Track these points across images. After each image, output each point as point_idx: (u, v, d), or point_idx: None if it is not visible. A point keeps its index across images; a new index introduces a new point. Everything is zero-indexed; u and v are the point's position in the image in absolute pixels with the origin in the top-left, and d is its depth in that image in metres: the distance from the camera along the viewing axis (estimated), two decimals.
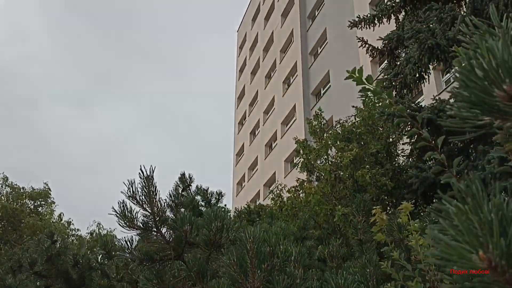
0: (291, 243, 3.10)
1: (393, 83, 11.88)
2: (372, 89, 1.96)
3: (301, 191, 12.87)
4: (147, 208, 2.85)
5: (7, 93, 78.63)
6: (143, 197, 2.84)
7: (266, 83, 40.20)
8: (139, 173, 2.85)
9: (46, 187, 41.49)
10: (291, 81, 34.89)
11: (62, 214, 40.79)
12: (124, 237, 2.86)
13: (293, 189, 13.37)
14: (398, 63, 11.37)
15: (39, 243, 5.75)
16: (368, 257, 3.11)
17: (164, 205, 2.89)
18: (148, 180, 2.85)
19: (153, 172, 2.89)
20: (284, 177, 28.97)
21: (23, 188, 40.11)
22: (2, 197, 38.23)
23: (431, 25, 9.98)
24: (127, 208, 2.85)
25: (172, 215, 2.89)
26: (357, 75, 2.82)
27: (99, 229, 38.20)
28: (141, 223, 2.85)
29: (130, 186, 2.81)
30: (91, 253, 6.68)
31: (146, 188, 2.84)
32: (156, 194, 2.86)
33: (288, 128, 33.12)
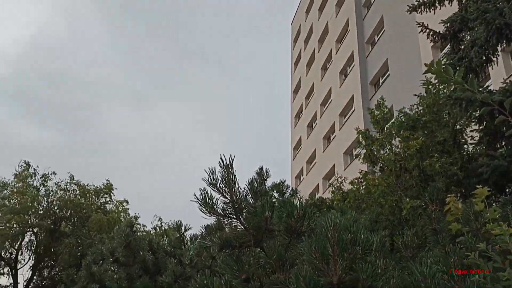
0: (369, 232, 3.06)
1: (458, 68, 11.39)
2: (452, 79, 1.89)
3: (364, 183, 12.65)
4: (226, 196, 2.92)
5: (69, 97, 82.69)
6: (223, 185, 2.91)
7: (322, 74, 39.77)
8: (219, 162, 2.92)
9: (109, 183, 43.50)
10: (348, 71, 34.29)
11: (128, 210, 42.55)
12: (205, 225, 2.94)
13: (356, 181, 13.17)
14: (463, 46, 10.89)
15: (119, 232, 6.06)
16: (450, 246, 3.01)
17: (243, 193, 2.94)
18: (227, 168, 2.91)
19: (232, 161, 2.95)
20: (344, 170, 28.58)
21: (88, 185, 42.25)
22: (71, 195, 40.43)
23: (498, 4, 9.47)
24: (208, 196, 2.93)
25: (251, 203, 2.93)
26: (435, 67, 2.73)
27: (161, 223, 39.55)
28: (221, 210, 2.92)
29: (210, 174, 2.89)
30: (162, 243, 6.93)
31: (226, 176, 2.90)
32: (235, 182, 2.91)
33: (346, 120, 32.62)
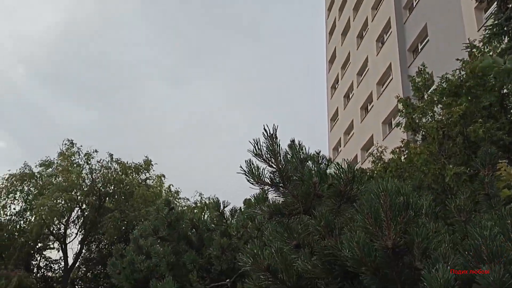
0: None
1: (505, 28, 10.88)
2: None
3: (405, 152, 12.43)
4: (272, 165, 2.92)
5: (107, 78, 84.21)
6: (268, 154, 2.92)
7: (358, 43, 38.87)
8: (263, 132, 2.92)
9: (147, 159, 44.61)
10: (384, 39, 33.36)
11: (171, 185, 43.58)
12: (253, 194, 2.97)
13: (397, 150, 12.96)
14: (510, 5, 10.35)
15: (158, 211, 6.22)
16: (506, 209, 2.93)
17: (289, 161, 2.94)
18: (272, 138, 2.91)
19: (276, 131, 2.94)
20: (383, 140, 28.14)
21: (128, 162, 43.46)
22: (113, 172, 41.74)
23: None
24: (253, 166, 2.95)
25: (298, 170, 2.93)
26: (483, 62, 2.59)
27: (201, 198, 40.40)
28: (268, 179, 2.94)
29: (255, 144, 2.90)
30: (204, 219, 7.07)
31: (270, 146, 2.90)
32: (280, 150, 2.92)
33: (384, 89, 31.93)
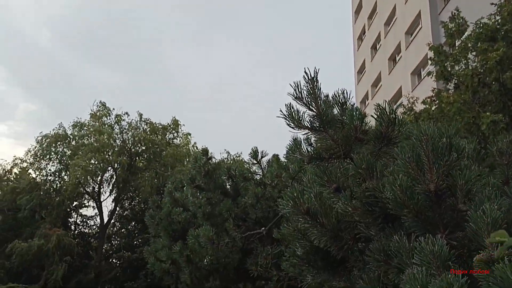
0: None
1: None
2: None
3: (437, 101, 12.15)
4: (313, 109, 2.91)
5: (132, 38, 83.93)
6: (309, 98, 2.89)
7: None
8: (304, 76, 2.89)
9: (175, 119, 45.12)
10: None
11: (195, 143, 44.13)
12: (293, 137, 2.97)
13: (428, 100, 12.68)
14: None
15: (196, 160, 6.31)
16: None
17: (329, 105, 2.92)
18: (312, 81, 2.87)
19: (317, 74, 2.90)
20: (412, 91, 27.49)
21: (156, 123, 44.03)
22: (142, 132, 42.43)
23: None
24: (293, 110, 2.93)
25: (339, 114, 2.91)
26: None
27: (228, 156, 40.82)
28: (308, 123, 2.93)
29: (295, 88, 2.87)
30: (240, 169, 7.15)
31: (311, 90, 2.87)
32: (320, 94, 2.89)
33: (413, 38, 30.92)
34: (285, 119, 2.93)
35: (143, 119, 43.45)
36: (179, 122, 44.79)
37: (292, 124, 2.91)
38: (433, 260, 2.04)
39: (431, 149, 2.39)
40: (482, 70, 10.13)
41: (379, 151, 2.87)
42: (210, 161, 6.35)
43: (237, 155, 39.46)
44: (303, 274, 3.66)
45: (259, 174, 6.44)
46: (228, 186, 6.48)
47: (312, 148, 2.99)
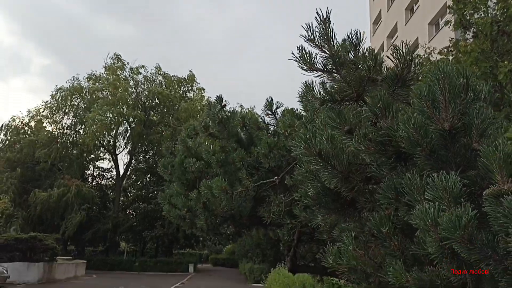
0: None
1: None
2: None
3: (454, 51, 11.86)
4: (325, 50, 2.87)
5: None
6: (321, 40, 2.85)
7: None
8: (316, 17, 2.83)
9: (191, 74, 44.92)
10: None
11: (209, 98, 44.19)
12: (305, 81, 2.95)
13: (445, 50, 12.38)
14: None
15: (210, 107, 6.29)
16: None
17: (342, 46, 2.87)
18: (325, 22, 2.82)
19: (329, 15, 2.84)
20: (429, 42, 26.82)
21: (173, 76, 43.88)
22: (158, 87, 42.44)
23: None
24: (305, 52, 2.90)
25: (352, 55, 2.86)
26: None
27: (241, 110, 40.82)
28: (320, 65, 2.90)
29: (307, 29, 2.82)
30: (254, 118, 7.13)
31: (323, 31, 2.82)
32: (333, 35, 2.84)
33: None
34: (297, 61, 2.90)
35: (160, 73, 43.37)
36: (194, 77, 44.66)
37: (304, 66, 2.89)
38: (445, 195, 2.05)
39: (448, 87, 2.36)
40: (502, 18, 9.80)
41: (393, 93, 2.84)
42: (224, 108, 6.33)
43: (251, 108, 39.44)
44: (314, 215, 3.74)
45: (273, 126, 6.43)
46: (242, 135, 6.49)
47: (324, 91, 2.97)
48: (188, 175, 6.51)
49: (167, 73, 43.69)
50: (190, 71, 44.74)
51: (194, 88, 45.44)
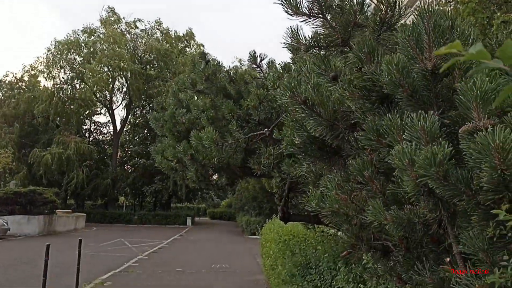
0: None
1: None
2: None
3: (453, 1, 11.63)
4: None
5: None
6: None
7: None
8: None
9: (190, 31, 44.21)
10: None
11: (208, 54, 43.60)
12: (290, 26, 2.92)
13: (443, 0, 12.15)
14: None
15: (194, 65, 6.23)
16: None
17: None
18: None
19: None
20: None
21: (172, 31, 43.17)
22: (155, 40, 41.78)
23: None
24: None
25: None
26: None
27: (240, 63, 40.40)
28: (306, 9, 2.86)
29: None
30: (241, 72, 7.06)
31: None
32: None
33: None
34: (282, 4, 2.86)
35: (159, 28, 42.66)
36: (194, 35, 44.01)
37: (289, 10, 2.85)
38: (422, 135, 2.09)
39: (433, 27, 2.35)
40: None
41: (378, 38, 2.82)
42: (208, 63, 6.26)
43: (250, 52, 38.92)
44: (300, 163, 3.80)
45: (261, 79, 6.38)
46: (230, 90, 6.45)
47: (310, 36, 2.95)
48: (179, 127, 6.52)
49: (166, 28, 43.03)
50: (189, 28, 44.20)
51: (192, 43, 44.86)
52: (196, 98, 7.08)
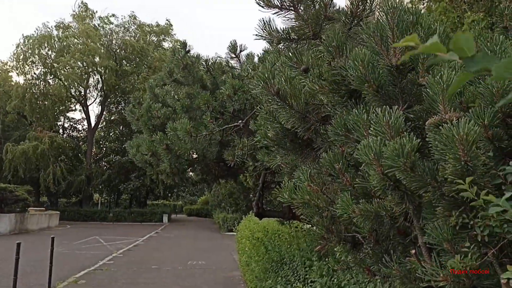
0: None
1: None
2: None
3: (426, 0, 11.81)
4: None
5: None
6: None
7: None
8: None
9: (168, 23, 43.75)
10: None
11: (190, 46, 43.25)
12: (262, 18, 2.91)
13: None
14: None
15: (174, 53, 6.18)
16: None
17: None
18: None
19: None
20: None
21: (148, 25, 42.66)
22: (131, 37, 41.24)
23: None
24: None
25: None
26: None
27: (218, 57, 40.08)
28: (278, 1, 2.86)
29: None
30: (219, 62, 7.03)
31: None
32: None
33: None
34: None
35: (135, 21, 42.12)
36: (171, 27, 43.58)
37: (261, 2, 2.84)
38: (387, 130, 2.11)
39: (396, 22, 2.37)
40: None
41: (349, 31, 2.84)
42: (188, 54, 6.22)
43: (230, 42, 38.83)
44: (273, 155, 3.80)
45: (237, 69, 6.37)
46: (207, 81, 6.43)
47: (282, 29, 2.94)
48: (154, 121, 6.47)
49: (142, 23, 42.49)
50: (167, 20, 43.67)
51: (169, 39, 44.45)
52: (172, 93, 7.03)
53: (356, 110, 2.38)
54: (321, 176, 3.25)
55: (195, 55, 6.22)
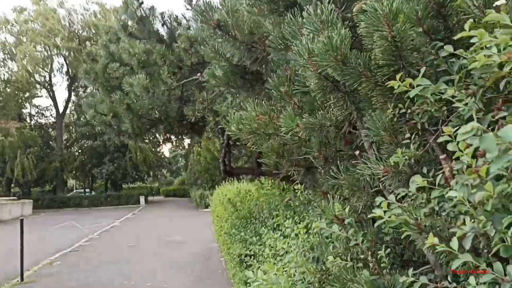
0: None
1: None
2: None
3: None
4: None
5: None
6: None
7: None
8: None
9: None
10: None
11: None
12: None
13: None
14: None
15: (127, 5, 5.94)
16: None
17: None
18: None
19: None
20: None
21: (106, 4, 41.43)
22: (91, 15, 40.03)
23: None
24: None
25: None
26: None
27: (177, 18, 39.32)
28: None
29: None
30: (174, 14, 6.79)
31: None
32: None
33: None
34: None
35: (94, 2, 40.88)
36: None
37: None
38: (320, 26, 2.04)
39: None
40: None
41: None
42: (142, 4, 5.99)
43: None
44: (224, 96, 3.73)
45: (194, 19, 6.19)
46: (164, 34, 6.23)
47: None
48: (112, 82, 6.27)
49: (101, 1, 41.33)
50: None
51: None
52: (129, 49, 6.80)
53: (289, 14, 2.30)
54: (275, 109, 3.20)
55: (150, 7, 5.99)
